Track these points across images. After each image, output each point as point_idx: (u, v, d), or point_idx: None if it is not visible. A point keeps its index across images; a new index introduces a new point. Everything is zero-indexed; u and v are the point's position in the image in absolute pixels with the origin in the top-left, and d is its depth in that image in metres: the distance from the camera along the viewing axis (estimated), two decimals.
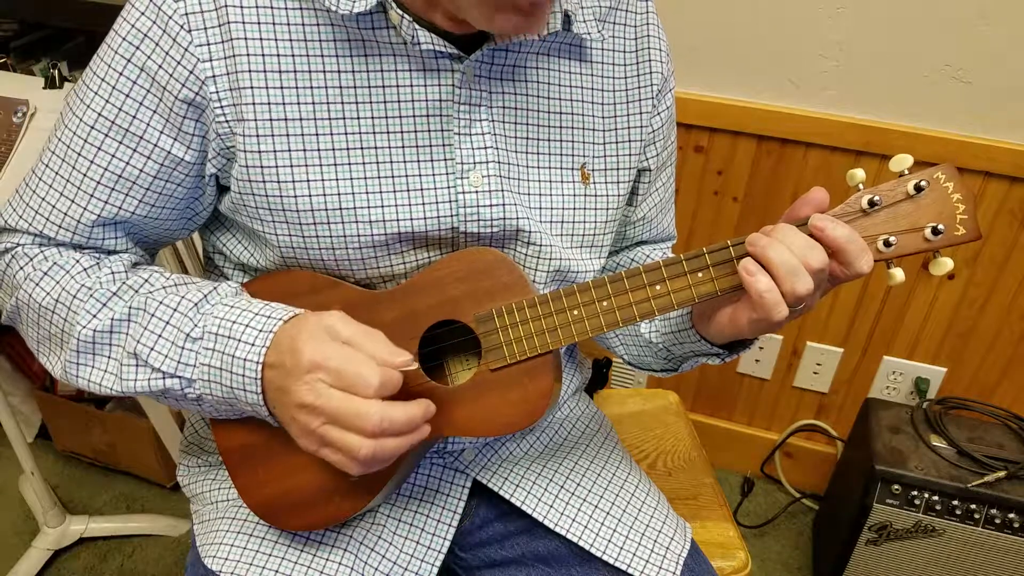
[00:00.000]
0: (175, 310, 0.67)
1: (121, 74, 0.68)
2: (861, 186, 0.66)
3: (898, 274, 0.66)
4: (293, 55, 0.67)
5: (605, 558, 0.79)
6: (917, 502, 1.38)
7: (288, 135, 0.68)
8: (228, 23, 0.66)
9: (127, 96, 0.68)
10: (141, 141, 0.69)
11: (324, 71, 0.68)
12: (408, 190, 0.71)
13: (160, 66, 0.67)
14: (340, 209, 0.70)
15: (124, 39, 0.67)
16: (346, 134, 0.69)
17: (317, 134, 0.69)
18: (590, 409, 0.97)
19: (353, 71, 0.68)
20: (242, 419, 0.73)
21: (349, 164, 0.69)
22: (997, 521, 1.35)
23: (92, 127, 0.69)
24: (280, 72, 0.67)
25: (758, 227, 0.66)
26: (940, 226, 0.64)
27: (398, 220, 0.71)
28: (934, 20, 1.31)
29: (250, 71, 0.67)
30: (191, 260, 1.39)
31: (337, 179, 0.69)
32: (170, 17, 0.66)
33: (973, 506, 1.36)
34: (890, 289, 1.56)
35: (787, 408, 1.79)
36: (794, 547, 1.73)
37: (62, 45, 1.66)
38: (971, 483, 1.35)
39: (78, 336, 0.69)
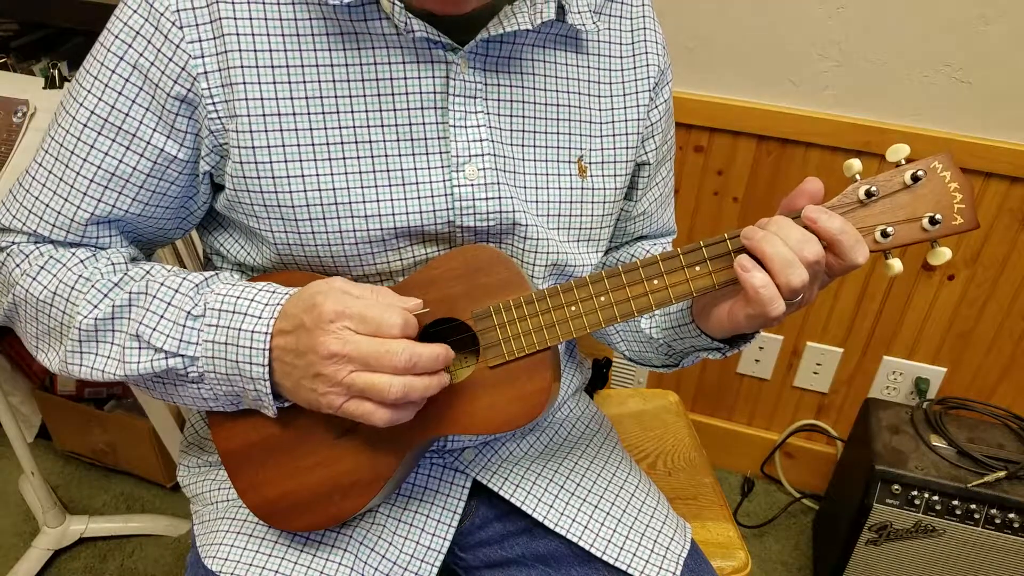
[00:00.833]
0: (177, 291, 0.68)
1: (114, 72, 0.68)
2: (858, 176, 0.65)
3: (896, 265, 0.66)
4: (285, 50, 0.67)
5: (605, 558, 0.79)
6: (917, 502, 1.37)
7: (281, 130, 0.68)
8: (219, 19, 0.66)
9: (120, 94, 0.68)
10: (134, 139, 0.69)
11: (317, 65, 0.68)
12: (403, 184, 0.70)
13: (152, 63, 0.67)
14: (335, 204, 0.70)
15: (117, 37, 0.68)
16: (340, 128, 0.69)
17: (311, 129, 0.68)
18: (590, 409, 0.97)
19: (346, 64, 0.68)
20: (242, 421, 0.73)
21: (343, 158, 0.69)
22: (997, 521, 1.35)
23: (85, 125, 0.69)
24: (272, 67, 0.67)
25: None
26: (937, 216, 0.64)
27: (393, 214, 0.70)
28: (934, 20, 1.31)
29: (242, 67, 0.67)
30: (191, 260, 1.39)
31: (332, 174, 0.69)
32: (162, 14, 0.66)
33: (973, 506, 1.35)
34: (890, 289, 1.56)
35: (787, 408, 1.78)
36: (794, 547, 1.72)
37: (62, 45, 1.67)
38: (971, 483, 1.34)
39: (79, 326, 0.69)
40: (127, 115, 0.68)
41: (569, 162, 0.77)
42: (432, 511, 0.81)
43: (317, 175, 0.69)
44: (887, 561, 1.45)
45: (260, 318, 0.65)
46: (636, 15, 0.80)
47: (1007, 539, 1.36)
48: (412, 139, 0.70)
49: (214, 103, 0.67)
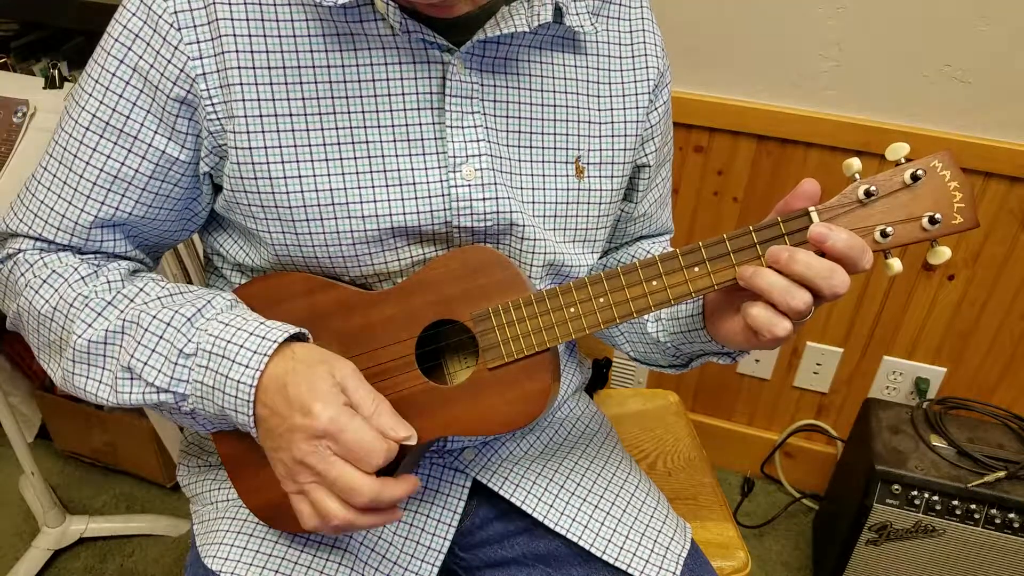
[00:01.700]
0: (168, 324, 0.67)
1: (114, 75, 0.68)
2: (858, 176, 0.65)
3: (896, 264, 0.65)
4: (282, 51, 0.67)
5: (605, 558, 0.79)
6: (917, 502, 1.37)
7: (278, 131, 0.68)
8: (217, 20, 0.66)
9: (120, 97, 0.68)
10: (135, 141, 0.69)
11: (313, 66, 0.68)
12: (400, 184, 0.70)
13: (152, 66, 0.67)
14: (332, 204, 0.70)
15: (116, 40, 0.68)
16: (336, 129, 0.69)
17: (307, 129, 0.68)
18: (590, 409, 0.97)
19: (343, 65, 0.68)
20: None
21: (340, 159, 0.69)
22: (997, 521, 1.35)
23: (87, 129, 0.69)
24: (269, 68, 0.67)
25: None
26: (937, 215, 0.63)
27: (391, 215, 0.70)
28: (934, 20, 1.31)
29: (239, 68, 0.67)
30: (191, 261, 1.39)
31: (328, 174, 0.69)
32: (160, 16, 0.66)
33: (973, 506, 1.35)
34: (890, 289, 1.56)
35: (787, 408, 1.78)
36: (794, 547, 1.73)
37: (62, 45, 1.67)
38: (971, 483, 1.34)
39: (74, 345, 0.69)
40: (128, 118, 0.68)
41: (566, 163, 0.77)
42: (432, 511, 0.81)
43: (314, 176, 0.69)
44: (887, 561, 1.45)
45: (247, 367, 0.64)
46: (635, 16, 0.80)
47: (1007, 539, 1.36)
48: (409, 139, 0.70)
49: (213, 104, 0.67)
